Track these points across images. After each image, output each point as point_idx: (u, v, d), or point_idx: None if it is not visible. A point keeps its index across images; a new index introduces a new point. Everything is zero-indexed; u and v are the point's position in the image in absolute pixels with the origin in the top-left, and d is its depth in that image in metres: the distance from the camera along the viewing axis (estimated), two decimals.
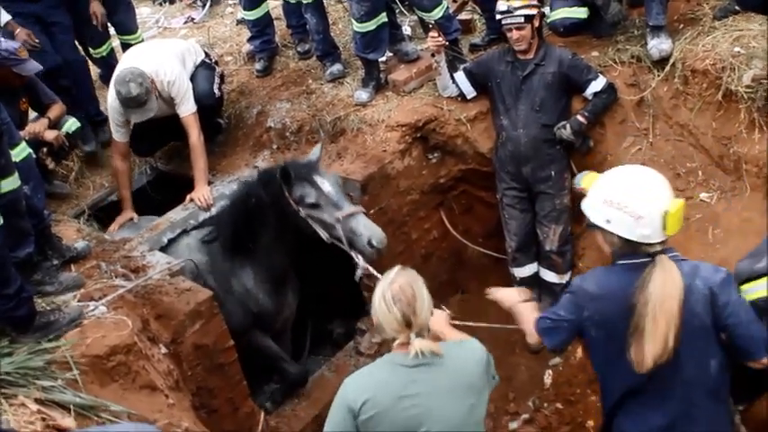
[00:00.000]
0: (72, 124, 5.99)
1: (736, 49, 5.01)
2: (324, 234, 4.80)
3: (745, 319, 3.05)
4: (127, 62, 5.94)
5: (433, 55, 5.80)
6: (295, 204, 4.83)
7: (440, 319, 3.50)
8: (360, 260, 4.57)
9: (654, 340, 2.99)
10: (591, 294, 3.20)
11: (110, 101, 5.90)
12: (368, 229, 4.67)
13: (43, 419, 3.16)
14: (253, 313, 5.30)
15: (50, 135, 5.78)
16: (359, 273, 4.62)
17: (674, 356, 3.01)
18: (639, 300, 3.02)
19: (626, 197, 3.09)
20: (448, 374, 2.97)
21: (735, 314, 3.04)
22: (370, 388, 2.96)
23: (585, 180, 3.33)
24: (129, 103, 5.68)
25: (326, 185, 4.81)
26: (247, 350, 5.24)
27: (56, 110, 5.94)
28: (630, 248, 3.13)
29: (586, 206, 3.25)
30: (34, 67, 5.41)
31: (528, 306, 3.62)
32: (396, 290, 2.94)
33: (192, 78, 6.11)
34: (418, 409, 2.93)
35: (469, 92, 5.87)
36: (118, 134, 6.02)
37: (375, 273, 4.41)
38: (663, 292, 2.98)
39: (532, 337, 3.46)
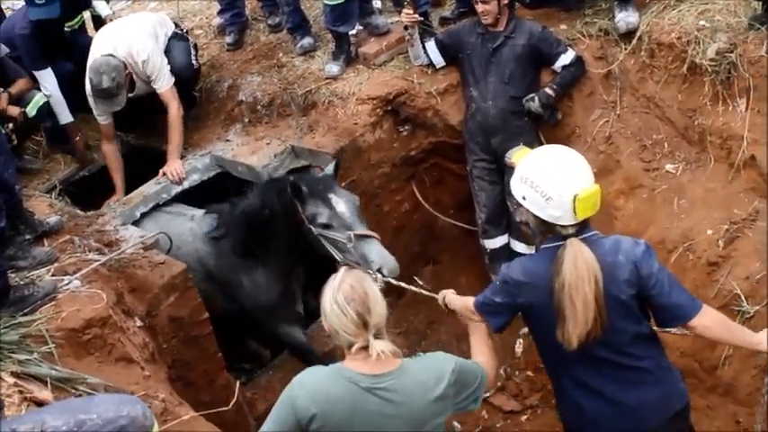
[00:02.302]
0: (39, 99, 5.95)
1: (702, 22, 5.07)
2: (338, 255, 4.59)
3: (668, 286, 3.11)
4: (101, 46, 5.89)
5: (406, 28, 5.82)
6: (307, 222, 4.68)
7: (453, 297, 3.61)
8: (378, 276, 4.33)
9: (575, 321, 3.05)
10: (518, 282, 3.24)
11: (87, 87, 5.89)
12: (380, 257, 4.42)
13: (20, 392, 3.19)
14: (265, 306, 5.27)
15: (14, 111, 5.74)
16: (378, 286, 4.44)
17: (606, 331, 3.09)
18: (556, 284, 3.07)
19: (538, 177, 3.10)
20: (405, 395, 2.78)
21: (659, 284, 3.10)
22: (320, 401, 2.75)
23: (516, 155, 3.33)
24: (99, 93, 5.74)
25: (341, 205, 4.62)
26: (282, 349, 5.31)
27: (20, 84, 5.90)
28: (546, 228, 3.17)
29: (511, 181, 3.28)
30: (1, 50, 5.42)
31: (458, 298, 3.68)
32: (346, 290, 2.77)
33: (168, 52, 6.10)
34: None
35: (439, 62, 5.91)
36: (100, 117, 6.03)
37: (395, 282, 4.35)
38: (575, 274, 3.02)
39: (474, 316, 3.47)
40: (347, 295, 2.75)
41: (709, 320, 3.15)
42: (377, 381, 2.76)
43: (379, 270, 4.36)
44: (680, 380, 3.41)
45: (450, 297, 3.73)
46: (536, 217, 3.16)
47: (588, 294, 3.01)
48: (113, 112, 6.00)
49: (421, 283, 4.34)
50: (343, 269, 2.92)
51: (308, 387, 2.80)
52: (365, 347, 2.74)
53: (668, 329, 3.29)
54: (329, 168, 4.97)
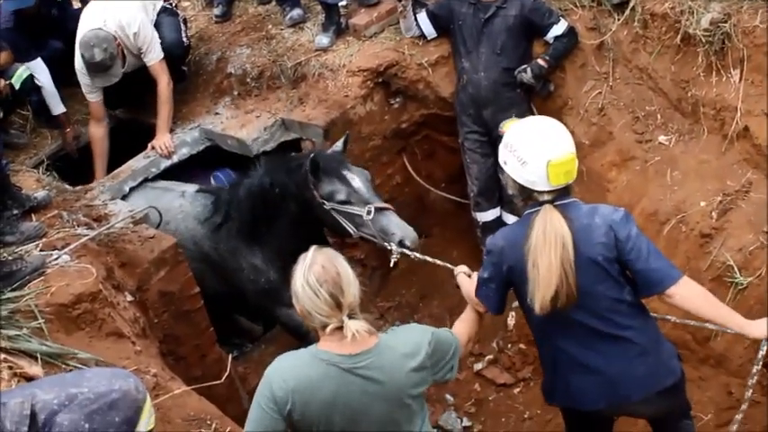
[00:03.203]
0: (23, 73, 5.89)
1: None
2: (351, 229, 4.64)
3: (646, 252, 3.13)
4: (90, 21, 5.79)
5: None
6: (320, 198, 4.67)
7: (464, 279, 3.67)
8: (393, 246, 4.42)
9: (536, 284, 3.12)
10: (500, 247, 3.34)
11: (77, 64, 5.81)
12: (400, 229, 4.51)
13: (10, 368, 3.17)
14: (265, 289, 5.20)
15: None
16: (394, 258, 4.45)
17: (583, 295, 3.13)
18: (525, 248, 3.15)
19: (518, 142, 3.24)
20: (386, 372, 2.74)
21: (636, 248, 3.12)
22: (300, 389, 2.70)
23: (507, 125, 3.48)
24: (93, 68, 5.64)
25: (357, 181, 4.65)
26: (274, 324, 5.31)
27: (2, 57, 5.84)
28: (525, 195, 3.29)
29: (499, 147, 3.38)
30: None
31: (468, 283, 3.70)
32: (318, 271, 2.69)
33: (157, 26, 6.02)
34: (355, 413, 2.76)
35: (430, 33, 5.85)
36: (91, 95, 5.96)
37: (413, 254, 4.41)
38: (542, 238, 3.10)
39: (479, 306, 3.53)
40: (319, 276, 2.69)
41: (688, 291, 3.15)
42: (356, 360, 2.72)
43: (400, 242, 4.44)
44: (672, 355, 3.40)
45: (461, 278, 3.79)
46: (515, 182, 3.27)
47: (553, 259, 3.07)
48: (106, 87, 5.93)
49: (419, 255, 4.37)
50: (312, 248, 2.82)
51: (285, 375, 2.74)
52: (339, 328, 2.70)
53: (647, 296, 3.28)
54: (339, 144, 4.92)
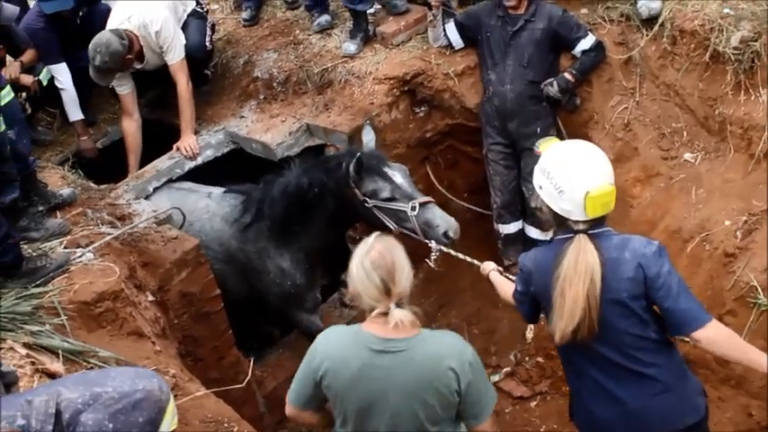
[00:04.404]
0: (48, 72, 5.95)
1: (726, 10, 5.02)
2: (392, 225, 4.65)
3: (676, 291, 3.01)
4: (117, 15, 5.85)
5: (430, 8, 5.76)
6: (362, 196, 4.67)
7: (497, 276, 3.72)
8: (433, 244, 4.48)
9: (560, 314, 3.05)
10: (529, 270, 3.28)
11: None
12: (443, 221, 4.56)
13: (32, 363, 3.19)
14: (290, 293, 5.21)
15: (27, 79, 5.77)
16: (434, 256, 4.50)
17: (606, 328, 3.06)
18: (554, 276, 3.08)
19: (555, 168, 3.10)
20: (412, 367, 2.79)
21: (666, 286, 3.01)
22: (333, 359, 2.85)
23: (543, 144, 3.32)
24: (93, 68, 5.69)
25: (398, 177, 4.67)
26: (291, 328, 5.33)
27: (29, 54, 5.90)
28: (558, 221, 3.17)
29: (535, 169, 3.26)
30: (11, 14, 5.37)
31: (502, 281, 3.73)
32: (374, 256, 2.79)
33: (184, 28, 6.06)
34: (373, 395, 2.82)
35: (458, 43, 5.86)
36: (119, 88, 6.02)
37: (453, 252, 4.47)
38: (573, 269, 3.02)
39: (512, 303, 3.54)
40: (375, 261, 2.78)
41: (716, 335, 3.03)
42: (390, 344, 2.79)
43: (445, 233, 4.51)
44: (697, 392, 3.29)
45: (494, 276, 3.83)
46: (549, 209, 3.16)
47: (580, 291, 3.00)
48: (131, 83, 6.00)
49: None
50: (374, 234, 2.93)
51: (326, 344, 2.92)
52: (385, 314, 2.78)
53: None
54: (369, 140, 4.95)
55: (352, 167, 4.59)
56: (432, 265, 4.54)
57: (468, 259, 4.33)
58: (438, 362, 2.80)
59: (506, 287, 3.62)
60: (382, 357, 2.79)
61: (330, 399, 2.94)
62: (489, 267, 3.93)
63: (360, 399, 2.84)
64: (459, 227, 4.60)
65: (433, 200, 4.71)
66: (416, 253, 4.55)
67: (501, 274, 3.87)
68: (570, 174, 3.06)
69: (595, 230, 3.10)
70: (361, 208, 4.70)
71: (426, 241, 4.54)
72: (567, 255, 3.05)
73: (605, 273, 3.02)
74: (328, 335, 2.97)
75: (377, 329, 2.82)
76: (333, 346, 2.89)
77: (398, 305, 2.78)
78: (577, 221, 3.09)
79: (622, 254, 3.06)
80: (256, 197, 5.11)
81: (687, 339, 3.10)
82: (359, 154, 4.63)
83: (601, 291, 3.02)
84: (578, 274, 3.00)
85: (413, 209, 4.55)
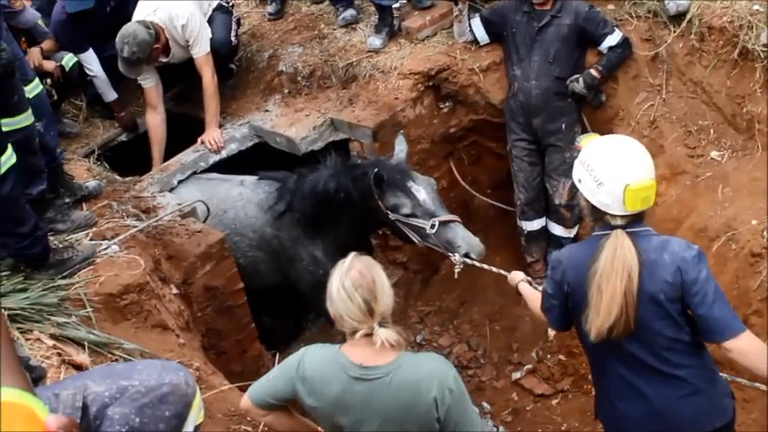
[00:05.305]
0: (69, 59, 5.99)
1: (755, 6, 4.96)
2: (416, 239, 4.62)
3: (711, 298, 2.95)
4: (144, 8, 5.88)
5: (456, 3, 5.74)
6: (385, 209, 4.62)
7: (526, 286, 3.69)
8: (456, 257, 4.42)
9: (597, 311, 2.99)
10: (563, 266, 3.21)
11: None
12: (466, 242, 4.47)
13: (59, 354, 3.23)
14: (322, 282, 5.19)
15: (49, 65, 5.83)
16: (457, 269, 4.45)
17: (641, 328, 3.01)
18: (590, 272, 3.02)
19: (595, 161, 3.06)
20: (389, 396, 2.71)
21: (702, 293, 2.95)
22: (314, 378, 2.78)
23: (585, 139, 3.32)
24: (121, 60, 5.71)
25: (422, 193, 4.59)
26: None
27: (48, 43, 5.96)
28: (597, 216, 3.12)
29: (575, 163, 3.23)
30: (32, 17, 5.42)
31: (533, 291, 3.67)
32: (355, 276, 2.70)
33: (210, 22, 6.07)
34: (351, 421, 2.77)
35: (483, 38, 5.83)
36: (143, 81, 6.04)
37: (477, 263, 4.42)
38: (610, 265, 2.96)
39: (542, 318, 3.48)
40: (355, 281, 2.69)
41: (747, 346, 2.95)
42: (366, 372, 2.72)
43: (466, 254, 4.42)
44: (725, 394, 3.24)
45: (523, 287, 3.76)
46: (588, 202, 3.11)
47: (617, 288, 2.94)
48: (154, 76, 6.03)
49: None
50: (351, 254, 2.84)
51: (308, 362, 2.82)
52: (369, 335, 2.69)
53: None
54: (401, 152, 4.88)
55: (372, 181, 4.53)
56: (455, 276, 4.51)
57: (495, 269, 4.30)
58: (416, 390, 2.71)
59: (535, 299, 3.56)
60: (359, 384, 2.72)
61: (315, 418, 2.90)
62: (518, 278, 3.85)
63: (348, 422, 2.78)
64: (483, 249, 4.48)
65: (457, 218, 4.60)
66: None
67: (530, 284, 3.79)
68: (610, 166, 3.02)
69: (634, 228, 3.05)
70: (385, 219, 4.67)
71: (449, 255, 4.48)
72: (603, 250, 2.99)
73: (643, 273, 2.97)
74: (311, 352, 2.88)
75: (354, 354, 2.75)
76: (312, 367, 2.81)
77: (382, 324, 2.70)
78: (615, 216, 3.04)
79: (661, 256, 3.01)
80: (290, 187, 5.10)
81: None
82: (376, 170, 4.54)
83: (638, 289, 2.97)
84: (615, 270, 2.95)
85: (432, 227, 4.48)
